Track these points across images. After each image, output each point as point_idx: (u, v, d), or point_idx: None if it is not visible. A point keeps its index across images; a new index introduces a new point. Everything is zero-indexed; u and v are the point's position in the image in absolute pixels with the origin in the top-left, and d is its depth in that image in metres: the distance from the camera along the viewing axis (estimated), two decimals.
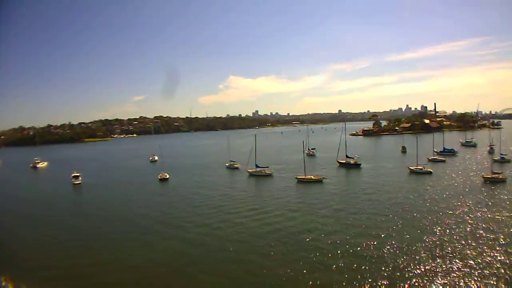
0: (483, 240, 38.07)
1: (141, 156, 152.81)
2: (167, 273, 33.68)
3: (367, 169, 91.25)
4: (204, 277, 32.37)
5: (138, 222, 51.86)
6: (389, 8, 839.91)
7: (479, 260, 32.75)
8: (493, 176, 69.37)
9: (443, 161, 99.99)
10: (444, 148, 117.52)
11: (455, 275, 30.13)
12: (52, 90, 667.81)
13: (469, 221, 44.76)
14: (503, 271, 30.45)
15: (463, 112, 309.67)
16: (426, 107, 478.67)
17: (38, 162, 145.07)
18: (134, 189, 79.18)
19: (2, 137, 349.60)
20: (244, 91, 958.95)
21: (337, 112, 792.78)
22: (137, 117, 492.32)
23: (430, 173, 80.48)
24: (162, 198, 68.71)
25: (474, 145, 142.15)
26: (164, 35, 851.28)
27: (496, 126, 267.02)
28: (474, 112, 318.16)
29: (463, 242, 37.71)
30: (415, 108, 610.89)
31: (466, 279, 29.35)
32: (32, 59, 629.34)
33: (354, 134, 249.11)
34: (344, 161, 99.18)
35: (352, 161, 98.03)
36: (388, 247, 36.94)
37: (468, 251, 35.06)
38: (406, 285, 28.80)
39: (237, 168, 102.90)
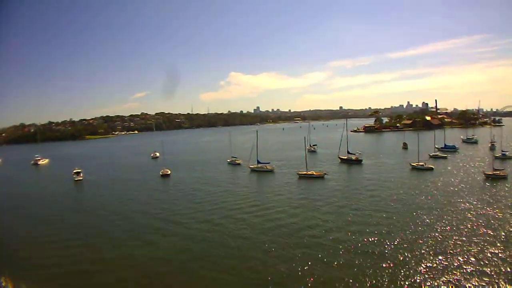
0: (484, 236, 38.10)
1: (143, 153, 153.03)
2: (169, 270, 33.61)
3: (369, 165, 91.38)
4: (206, 274, 32.36)
5: (139, 219, 51.70)
6: (389, 6, 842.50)
7: (480, 257, 32.82)
8: (494, 172, 69.41)
9: (445, 157, 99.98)
10: (445, 145, 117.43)
11: (456, 271, 30.18)
12: (52, 89, 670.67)
13: (471, 218, 44.81)
14: (504, 267, 30.48)
15: (464, 109, 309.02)
16: (427, 104, 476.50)
17: (39, 159, 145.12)
18: (136, 186, 79.22)
19: (3, 134, 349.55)
20: (245, 88, 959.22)
21: (338, 108, 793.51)
22: (139, 114, 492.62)
23: (431, 169, 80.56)
24: (164, 195, 68.72)
25: (475, 142, 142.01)
26: (165, 33, 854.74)
27: (497, 124, 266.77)
28: (475, 110, 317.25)
29: (465, 238, 37.75)
30: (416, 105, 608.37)
31: (467, 275, 29.41)
32: (32, 59, 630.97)
33: (355, 131, 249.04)
34: (345, 157, 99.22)
35: (353, 157, 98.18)
36: (390, 243, 37.02)
37: (469, 248, 35.11)
38: (408, 282, 28.85)
39: (238, 164, 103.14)
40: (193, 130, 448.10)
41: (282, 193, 63.83)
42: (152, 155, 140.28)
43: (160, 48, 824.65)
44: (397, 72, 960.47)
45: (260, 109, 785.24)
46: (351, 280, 29.47)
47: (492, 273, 29.48)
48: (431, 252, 34.33)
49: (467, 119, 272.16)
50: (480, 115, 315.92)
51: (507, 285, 27.78)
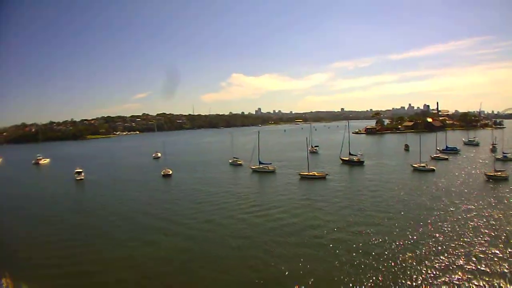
0: (485, 237, 38.17)
1: (144, 154, 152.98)
2: (169, 271, 33.59)
3: (370, 166, 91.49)
4: (207, 274, 32.39)
5: (141, 219, 51.65)
6: (389, 8, 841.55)
7: (481, 257, 32.89)
8: (495, 174, 69.54)
9: (446, 159, 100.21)
10: (446, 147, 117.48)
11: (458, 272, 30.26)
12: (52, 89, 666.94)
13: (472, 218, 44.86)
14: (505, 268, 30.55)
15: (465, 111, 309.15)
16: (428, 106, 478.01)
17: (40, 159, 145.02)
18: (137, 186, 79.28)
19: (4, 134, 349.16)
20: (246, 89, 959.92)
21: (339, 110, 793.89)
22: (140, 114, 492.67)
23: (433, 170, 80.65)
24: (165, 195, 68.83)
25: (477, 144, 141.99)
26: (166, 33, 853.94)
27: (498, 126, 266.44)
28: (477, 112, 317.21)
29: (466, 239, 37.82)
30: (418, 107, 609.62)
31: (469, 276, 29.50)
32: (32, 59, 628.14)
33: (356, 132, 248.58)
34: (347, 158, 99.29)
35: (355, 158, 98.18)
36: (391, 244, 37.10)
37: (470, 248, 35.19)
38: (409, 282, 28.93)
39: (240, 164, 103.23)
40: (194, 131, 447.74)
41: (283, 193, 63.92)
42: (153, 155, 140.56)
43: (160, 48, 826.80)
44: (398, 74, 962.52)
45: (262, 111, 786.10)
46: (352, 280, 29.55)
47: (494, 274, 29.55)
48: (432, 253, 34.38)
49: (468, 121, 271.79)
50: (482, 117, 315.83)
51: (508, 285, 27.88)
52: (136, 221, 51.00)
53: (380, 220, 45.35)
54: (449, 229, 41.27)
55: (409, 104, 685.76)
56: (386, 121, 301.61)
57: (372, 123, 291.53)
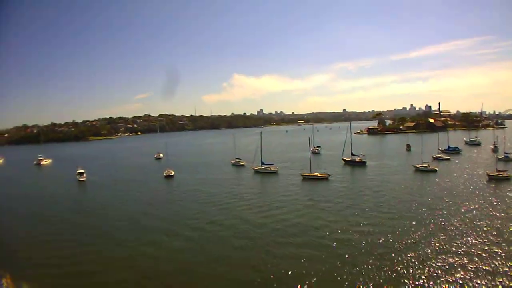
0: (488, 237, 38.29)
1: (146, 154, 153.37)
2: (170, 271, 33.65)
3: (372, 167, 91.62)
4: (208, 274, 32.53)
5: (142, 220, 51.64)
6: (390, 8, 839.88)
7: (484, 256, 33.07)
8: (497, 174, 69.66)
9: (448, 159, 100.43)
10: (448, 147, 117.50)
11: (460, 271, 30.41)
12: (52, 90, 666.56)
13: (474, 218, 45.00)
14: (508, 267, 30.73)
15: (466, 112, 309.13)
16: (430, 106, 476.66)
17: (42, 159, 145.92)
18: (139, 186, 79.48)
19: (6, 135, 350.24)
20: (248, 90, 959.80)
21: (341, 111, 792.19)
22: (142, 115, 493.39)
23: (435, 171, 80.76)
24: (167, 195, 69.17)
25: (478, 144, 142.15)
26: (167, 34, 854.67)
27: (499, 126, 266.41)
28: (478, 112, 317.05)
29: (470, 239, 37.97)
30: (419, 108, 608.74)
31: (472, 275, 29.68)
32: (32, 59, 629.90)
33: (358, 133, 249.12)
34: (349, 159, 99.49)
35: (357, 159, 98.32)
36: (394, 244, 37.28)
37: (473, 248, 35.34)
38: (412, 282, 29.09)
39: (242, 165, 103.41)
40: (196, 132, 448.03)
41: (286, 194, 64.12)
42: (155, 156, 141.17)
43: (161, 48, 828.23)
44: (399, 74, 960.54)
45: (264, 112, 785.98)
46: (355, 280, 29.73)
47: (497, 273, 29.70)
48: (435, 253, 34.54)
49: (470, 121, 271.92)
50: (483, 118, 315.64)
51: (511, 284, 28.07)
52: (137, 221, 51.06)
53: (383, 220, 45.49)
54: (452, 229, 41.40)
55: (411, 105, 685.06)
56: (388, 122, 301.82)
57: (373, 124, 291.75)
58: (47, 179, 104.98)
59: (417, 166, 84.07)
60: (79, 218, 55.16)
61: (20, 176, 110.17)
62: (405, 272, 30.69)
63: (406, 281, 29.19)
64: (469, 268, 30.81)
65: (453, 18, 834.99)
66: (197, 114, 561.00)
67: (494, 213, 47.13)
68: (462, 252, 34.34)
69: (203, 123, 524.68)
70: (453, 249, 35.27)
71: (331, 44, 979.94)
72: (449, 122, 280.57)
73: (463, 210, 48.87)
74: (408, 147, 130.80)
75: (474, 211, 48.24)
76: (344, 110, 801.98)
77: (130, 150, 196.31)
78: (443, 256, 33.49)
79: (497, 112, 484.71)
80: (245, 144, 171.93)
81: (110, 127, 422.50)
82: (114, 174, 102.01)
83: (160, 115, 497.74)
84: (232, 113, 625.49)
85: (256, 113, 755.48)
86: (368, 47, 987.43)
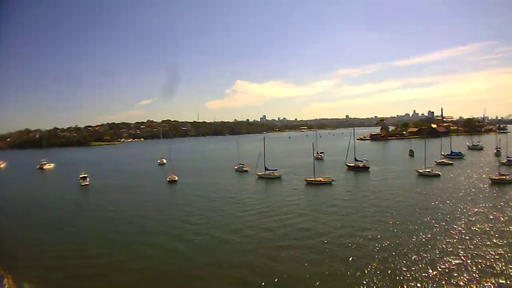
0: (492, 240, 38.48)
1: (149, 160, 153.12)
2: (171, 275, 33.62)
3: (376, 172, 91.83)
4: (209, 277, 32.70)
5: (144, 224, 51.72)
6: (394, 14, 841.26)
7: (488, 258, 33.29)
8: (500, 177, 70.00)
9: (451, 164, 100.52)
10: (451, 152, 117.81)
11: (464, 274, 30.59)
12: (53, 94, 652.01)
13: (478, 221, 45.21)
14: (510, 270, 30.98)
15: (469, 117, 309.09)
16: (433, 112, 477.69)
17: (45, 164, 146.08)
18: (142, 191, 79.67)
19: (8, 139, 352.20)
20: (251, 96, 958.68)
21: (344, 117, 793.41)
22: (145, 121, 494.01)
23: (438, 175, 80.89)
24: (171, 200, 69.37)
25: (481, 148, 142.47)
26: (170, 41, 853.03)
27: (502, 131, 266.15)
28: (481, 117, 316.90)
29: (473, 241, 38.20)
30: (422, 114, 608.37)
31: (475, 278, 29.89)
32: (32, 61, 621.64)
33: (361, 139, 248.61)
34: (352, 164, 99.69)
35: (360, 164, 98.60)
36: (398, 248, 37.46)
37: (477, 251, 35.54)
38: (416, 286, 29.16)
39: (246, 171, 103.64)
40: (199, 138, 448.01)
41: (289, 198, 64.39)
42: (159, 161, 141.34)
43: (165, 54, 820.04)
44: (403, 80, 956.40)
45: (267, 118, 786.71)
46: (359, 284, 29.93)
47: (501, 276, 29.91)
48: (439, 256, 34.72)
49: (472, 126, 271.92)
50: (486, 123, 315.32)
51: None
52: (140, 225, 51.16)
53: (386, 224, 45.69)
54: (456, 232, 41.61)
55: (414, 111, 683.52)
56: (391, 128, 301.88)
57: (376, 130, 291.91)
58: (50, 183, 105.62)
59: (420, 171, 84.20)
60: (81, 221, 55.53)
61: (23, 180, 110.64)
62: (409, 276, 30.84)
63: (410, 284, 29.32)
64: (473, 272, 30.96)
65: (456, 24, 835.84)
66: (200, 120, 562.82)
67: (497, 216, 47.35)
68: (466, 255, 34.48)
69: (206, 129, 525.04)
70: (457, 252, 35.45)
71: (335, 50, 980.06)
72: (452, 127, 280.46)
73: (466, 214, 49.07)
74: (411, 153, 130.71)
75: (477, 215, 48.41)
76: (347, 116, 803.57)
77: (133, 156, 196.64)
78: (447, 259, 33.66)
79: (499, 117, 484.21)
80: (248, 150, 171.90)
81: (113, 132, 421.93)
82: (117, 179, 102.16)
83: (163, 121, 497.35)
84: (235, 120, 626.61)
85: (259, 120, 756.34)
86: (372, 53, 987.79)
